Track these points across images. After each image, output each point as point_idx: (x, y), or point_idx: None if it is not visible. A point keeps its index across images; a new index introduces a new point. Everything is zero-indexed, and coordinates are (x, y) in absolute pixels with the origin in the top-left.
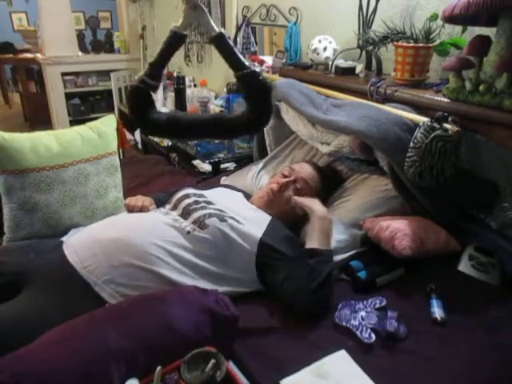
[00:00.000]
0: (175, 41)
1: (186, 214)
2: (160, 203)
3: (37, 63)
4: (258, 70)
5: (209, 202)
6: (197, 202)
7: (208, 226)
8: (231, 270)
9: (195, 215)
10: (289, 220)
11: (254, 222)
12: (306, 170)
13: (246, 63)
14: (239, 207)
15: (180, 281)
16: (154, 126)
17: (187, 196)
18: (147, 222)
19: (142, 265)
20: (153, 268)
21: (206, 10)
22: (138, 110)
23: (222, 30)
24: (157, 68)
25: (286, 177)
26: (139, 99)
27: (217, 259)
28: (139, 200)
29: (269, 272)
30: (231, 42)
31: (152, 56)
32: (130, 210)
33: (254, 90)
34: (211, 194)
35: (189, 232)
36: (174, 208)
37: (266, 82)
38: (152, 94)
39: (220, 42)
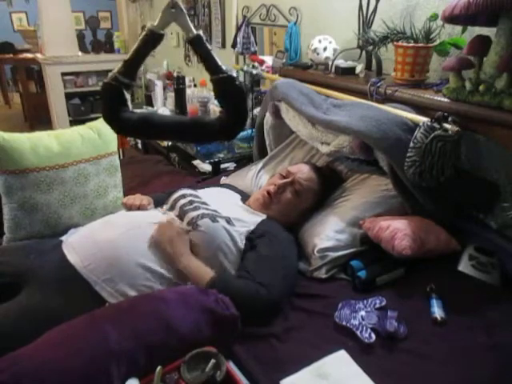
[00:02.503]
0: (152, 39)
1: (181, 215)
2: (158, 203)
3: (37, 63)
4: (234, 74)
5: (203, 203)
6: (191, 203)
7: (200, 226)
8: (225, 270)
9: (189, 216)
10: (287, 221)
11: (246, 223)
12: (303, 172)
13: (223, 67)
14: (234, 208)
15: (179, 280)
16: (124, 125)
17: (183, 196)
18: (145, 221)
19: (141, 264)
20: (152, 267)
21: (185, 11)
22: (109, 108)
23: (200, 32)
24: (131, 66)
25: (283, 178)
26: (111, 97)
27: (210, 259)
28: (137, 199)
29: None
30: (209, 45)
31: (153, 56)
32: (128, 208)
33: (230, 95)
34: (207, 194)
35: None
36: (171, 208)
37: (242, 88)
38: (125, 92)
39: (197, 44)
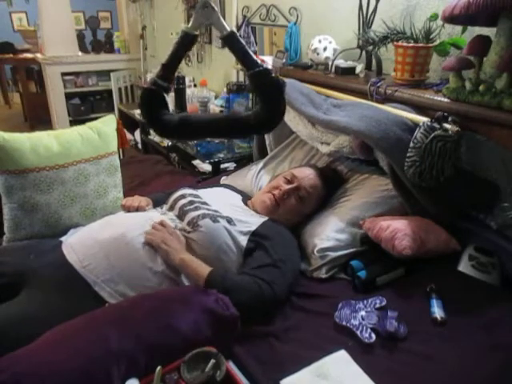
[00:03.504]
0: (186, 41)
1: (181, 215)
2: (158, 203)
3: (37, 63)
4: (269, 67)
5: (204, 203)
6: (191, 203)
7: (201, 226)
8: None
9: (189, 216)
10: (289, 223)
11: (248, 224)
12: (309, 178)
13: (258, 61)
14: (235, 209)
15: (178, 280)
16: (167, 128)
17: (183, 196)
18: (143, 222)
19: (139, 263)
20: (151, 267)
21: (217, 8)
22: (150, 112)
23: (234, 29)
24: (169, 69)
25: (288, 181)
26: (152, 101)
27: (211, 259)
28: (136, 200)
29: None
30: (243, 41)
31: (153, 56)
32: (127, 210)
33: (266, 88)
34: (207, 194)
35: (185, 232)
36: (171, 209)
37: (279, 79)
38: (165, 95)
39: (232, 40)
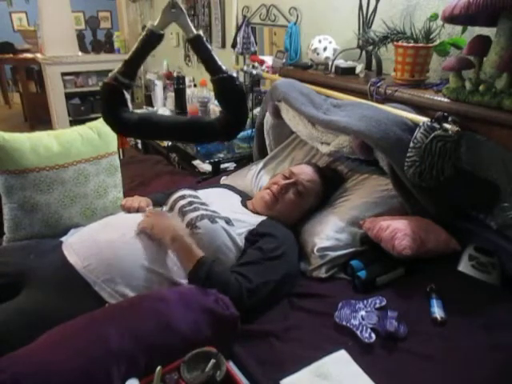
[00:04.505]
0: (152, 40)
1: (181, 216)
2: (158, 203)
3: (37, 63)
4: (234, 74)
5: (203, 204)
6: (191, 204)
7: (199, 228)
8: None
9: (188, 217)
10: (288, 221)
11: (247, 223)
12: (306, 173)
13: (223, 67)
14: (234, 209)
15: (178, 280)
16: (125, 126)
17: (182, 197)
18: None
19: (139, 264)
20: (150, 267)
21: (185, 11)
22: (109, 108)
23: (200, 33)
24: (131, 66)
25: (286, 178)
26: (111, 97)
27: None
28: (135, 201)
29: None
30: (209, 45)
31: (153, 56)
32: (127, 210)
33: (230, 95)
34: (207, 194)
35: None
36: (171, 209)
37: (242, 88)
38: (125, 92)
39: (197, 44)
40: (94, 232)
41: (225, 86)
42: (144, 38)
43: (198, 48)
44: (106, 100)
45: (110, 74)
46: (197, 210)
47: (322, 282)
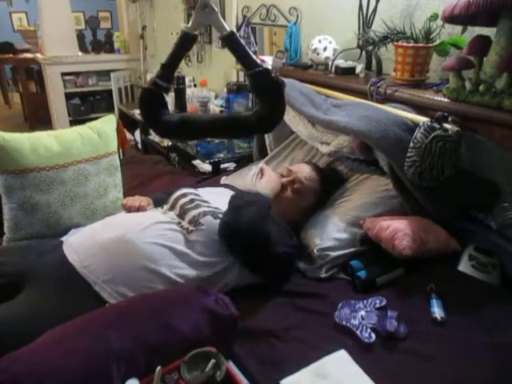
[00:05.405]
0: (186, 41)
1: (182, 214)
2: (158, 203)
3: (37, 63)
4: (269, 67)
5: (204, 201)
6: (192, 201)
7: (203, 224)
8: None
9: (190, 214)
10: (287, 220)
11: None
12: (304, 171)
13: (258, 61)
14: None
15: (179, 280)
16: (166, 128)
17: (184, 195)
18: (145, 222)
19: (140, 264)
20: (152, 267)
21: (217, 9)
22: (150, 113)
23: (234, 29)
24: (168, 69)
25: (284, 176)
26: (151, 101)
27: (214, 256)
28: (136, 200)
29: None
30: (243, 41)
31: (153, 56)
32: (128, 210)
33: (266, 88)
34: (208, 192)
35: (187, 231)
36: (172, 208)
37: (279, 79)
38: (164, 95)
39: (231, 40)
40: (94, 232)
41: (261, 79)
42: (179, 41)
43: (233, 45)
44: (148, 105)
45: (148, 80)
46: (199, 207)
47: (321, 282)
